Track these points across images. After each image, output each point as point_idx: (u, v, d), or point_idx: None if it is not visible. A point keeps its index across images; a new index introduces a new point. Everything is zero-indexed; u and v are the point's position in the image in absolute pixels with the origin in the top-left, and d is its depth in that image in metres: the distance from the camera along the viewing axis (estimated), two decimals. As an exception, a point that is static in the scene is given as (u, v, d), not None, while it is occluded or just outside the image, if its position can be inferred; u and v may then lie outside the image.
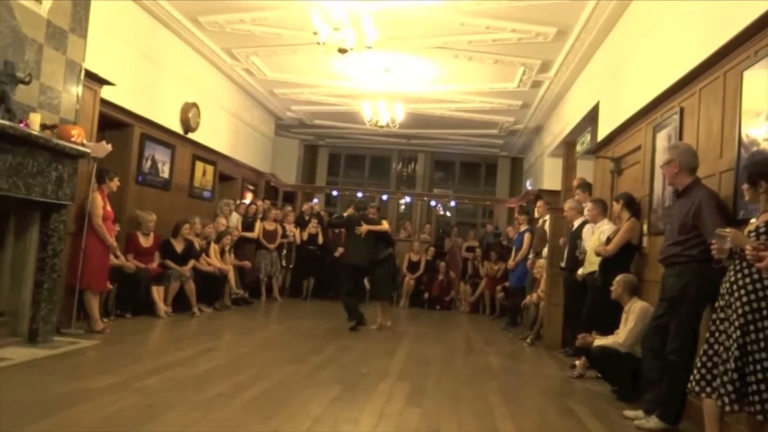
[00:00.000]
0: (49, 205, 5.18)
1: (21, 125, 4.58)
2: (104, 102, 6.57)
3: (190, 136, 9.12)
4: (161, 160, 8.36)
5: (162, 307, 7.35)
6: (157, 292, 7.35)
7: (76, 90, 5.45)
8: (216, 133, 10.09)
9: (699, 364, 3.24)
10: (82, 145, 5.29)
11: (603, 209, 6.24)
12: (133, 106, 7.51)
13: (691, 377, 3.26)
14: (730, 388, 2.97)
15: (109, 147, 5.83)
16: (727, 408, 3.01)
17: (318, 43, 7.13)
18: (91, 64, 5.79)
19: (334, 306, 9.92)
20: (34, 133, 4.69)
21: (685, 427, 3.98)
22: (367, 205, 8.51)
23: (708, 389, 3.17)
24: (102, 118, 6.57)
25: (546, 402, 4.63)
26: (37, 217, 5.23)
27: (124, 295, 6.98)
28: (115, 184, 6.33)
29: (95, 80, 6.22)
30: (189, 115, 8.91)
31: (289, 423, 3.49)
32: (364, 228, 7.82)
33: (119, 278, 6.85)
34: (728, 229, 3.07)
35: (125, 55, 7.24)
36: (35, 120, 4.76)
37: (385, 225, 8.15)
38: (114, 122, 7.24)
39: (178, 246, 7.88)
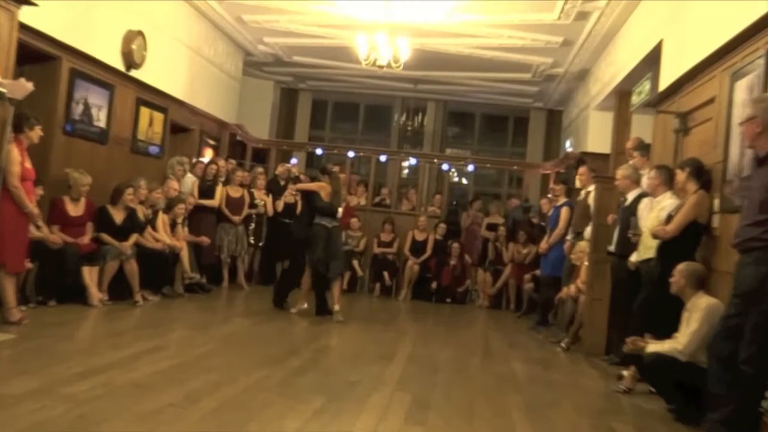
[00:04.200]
0: (-49, 159, 5.12)
1: None
2: (24, 27, 6.49)
3: (134, 74, 9.01)
4: (96, 105, 8.31)
5: (95, 294, 7.34)
6: (90, 274, 7.35)
7: (-14, 11, 5.38)
8: (167, 71, 9.97)
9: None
10: (-5, 82, 5.25)
11: (668, 179, 6.19)
12: (60, 34, 7.41)
13: (769, 393, 3.30)
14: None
15: (30, 86, 5.76)
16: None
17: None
18: (5, -23, 5.74)
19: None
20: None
21: (759, 456, 4.03)
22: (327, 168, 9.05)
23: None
24: (21, 49, 6.47)
25: (583, 421, 4.68)
26: (-64, 174, 5.19)
27: (48, 277, 6.96)
28: (36, 134, 6.24)
29: (11, -1, 6.15)
30: (132, 46, 8.85)
31: (257, 442, 3.56)
32: (295, 186, 8.65)
33: (41, 255, 6.82)
34: None
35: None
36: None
37: (316, 183, 8.57)
38: (36, 54, 7.18)
39: (118, 216, 7.88)
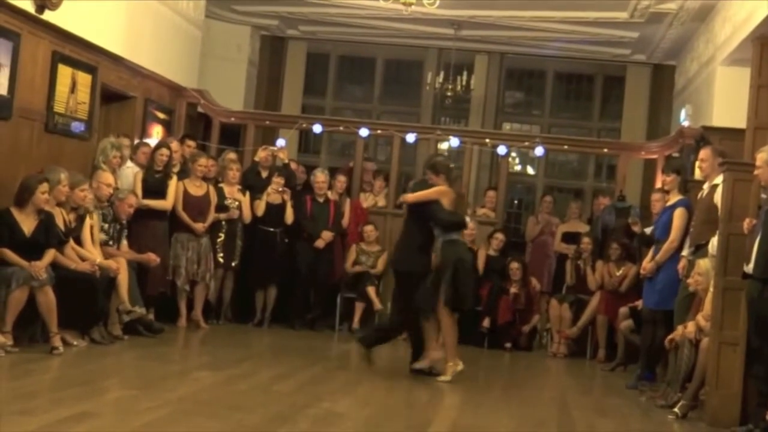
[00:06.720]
0: None
1: None
2: None
3: (49, 16, 8.57)
4: (-5, 62, 8.25)
5: (-6, 336, 7.29)
6: (-14, 308, 7.38)
7: None
8: (97, 12, 9.53)
9: None
10: None
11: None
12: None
13: None
14: None
15: None
16: None
17: None
18: None
19: (312, 339, 9.91)
20: None
21: None
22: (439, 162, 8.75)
23: None
24: None
25: None
26: None
27: None
28: None
29: None
30: (46, -24, 8.42)
31: None
32: (409, 197, 8.49)
33: None
34: None
35: None
36: None
37: (435, 189, 8.29)
38: None
39: (27, 223, 7.75)
